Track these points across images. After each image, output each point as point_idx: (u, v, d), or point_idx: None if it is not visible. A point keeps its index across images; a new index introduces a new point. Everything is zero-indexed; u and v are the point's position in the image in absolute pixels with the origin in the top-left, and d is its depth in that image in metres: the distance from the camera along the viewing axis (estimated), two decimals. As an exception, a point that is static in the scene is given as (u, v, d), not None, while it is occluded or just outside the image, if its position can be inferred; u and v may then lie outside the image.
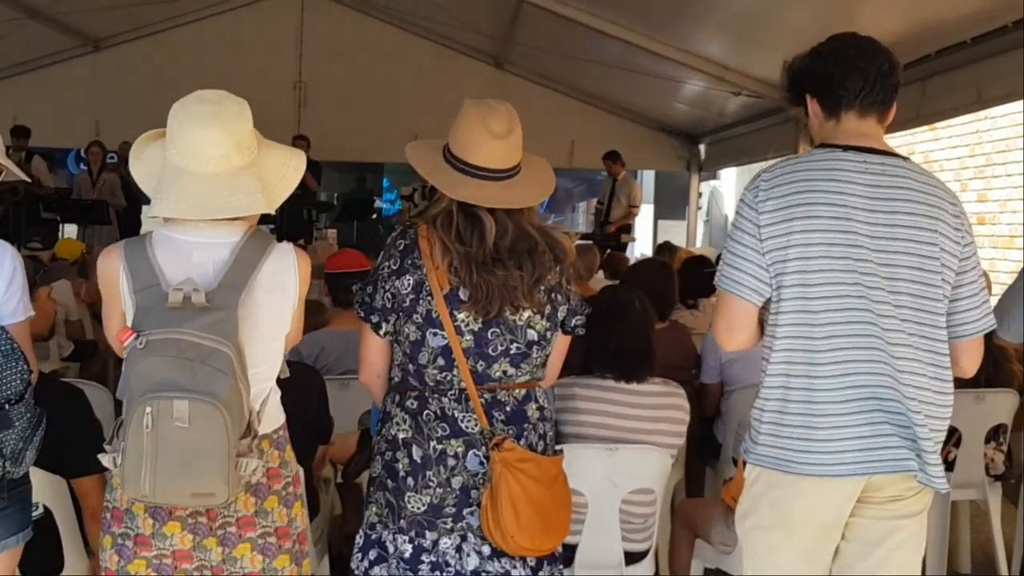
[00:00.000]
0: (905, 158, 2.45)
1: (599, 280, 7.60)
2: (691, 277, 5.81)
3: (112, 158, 13.07)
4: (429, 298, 2.51)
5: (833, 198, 2.33)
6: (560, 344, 2.70)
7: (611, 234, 10.74)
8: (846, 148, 2.40)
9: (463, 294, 2.51)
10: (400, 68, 12.05)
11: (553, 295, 2.61)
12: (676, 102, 10.98)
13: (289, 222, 11.01)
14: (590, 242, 8.06)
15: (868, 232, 2.33)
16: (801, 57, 2.55)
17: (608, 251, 10.22)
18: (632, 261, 11.93)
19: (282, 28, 11.94)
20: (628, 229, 11.26)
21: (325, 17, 12.02)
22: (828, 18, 6.74)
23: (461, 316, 2.51)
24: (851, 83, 2.42)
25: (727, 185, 14.51)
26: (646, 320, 3.30)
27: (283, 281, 2.36)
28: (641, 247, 15.12)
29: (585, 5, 8.63)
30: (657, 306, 4.36)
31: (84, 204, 10.16)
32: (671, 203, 14.92)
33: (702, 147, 12.39)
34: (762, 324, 2.47)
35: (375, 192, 16.35)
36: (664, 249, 7.06)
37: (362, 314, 2.61)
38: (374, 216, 15.30)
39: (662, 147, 12.43)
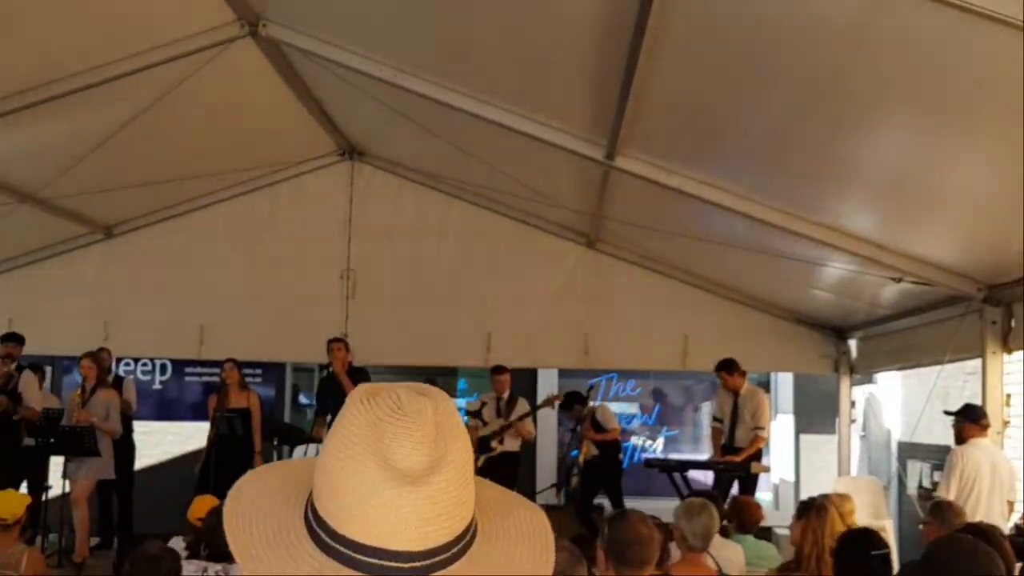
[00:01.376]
0: None
1: (723, 543, 6.25)
2: (852, 562, 4.57)
3: (128, 365, 12.47)
4: None
5: None
6: None
7: (738, 464, 9.41)
8: None
9: None
10: (471, 251, 11.35)
11: None
12: (816, 289, 9.78)
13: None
14: (705, 493, 6.73)
15: None
16: None
17: (734, 489, 8.94)
18: (766, 497, 10.56)
19: (328, 206, 11.32)
20: (758, 456, 9.89)
21: (380, 191, 11.39)
22: (1009, 178, 5.67)
23: None
24: None
25: (887, 391, 12.95)
26: None
27: None
28: (780, 469, 13.58)
29: (688, 171, 7.66)
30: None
31: (67, 431, 9.27)
32: (816, 413, 13.37)
33: (853, 343, 11.07)
34: None
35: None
36: (808, 508, 5.66)
37: None
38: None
39: (801, 344, 11.12)
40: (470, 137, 8.76)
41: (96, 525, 10.20)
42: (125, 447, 10.90)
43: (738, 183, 7.63)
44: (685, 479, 9.91)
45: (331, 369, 10.17)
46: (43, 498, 10.41)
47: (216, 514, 5.96)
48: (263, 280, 11.20)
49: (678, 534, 5.53)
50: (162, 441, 12.12)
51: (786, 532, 7.54)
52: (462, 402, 14.91)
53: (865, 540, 4.64)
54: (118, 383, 11.06)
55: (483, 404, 10.55)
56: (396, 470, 1.31)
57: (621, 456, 11.24)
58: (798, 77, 5.62)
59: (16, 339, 10.28)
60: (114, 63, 7.51)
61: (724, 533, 6.57)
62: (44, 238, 11.23)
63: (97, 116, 8.39)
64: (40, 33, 6.98)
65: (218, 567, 5.49)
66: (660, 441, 13.80)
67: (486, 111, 7.72)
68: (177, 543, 6.75)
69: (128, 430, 11.04)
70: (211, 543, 5.75)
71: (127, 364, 13.01)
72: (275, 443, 10.61)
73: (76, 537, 9.57)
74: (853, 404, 11.58)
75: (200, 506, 6.69)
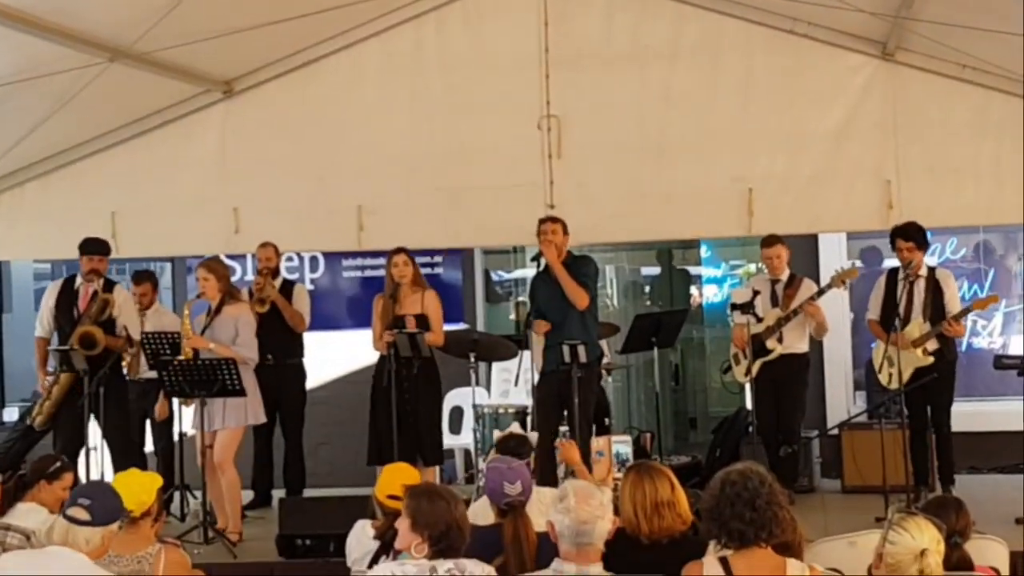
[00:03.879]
0: None
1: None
2: None
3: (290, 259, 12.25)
4: None
5: None
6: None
7: None
8: None
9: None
10: (716, 76, 10.64)
11: None
12: None
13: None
14: None
15: None
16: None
17: None
18: None
19: (514, 29, 10.77)
20: None
21: (582, 2, 10.75)
22: None
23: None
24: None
25: None
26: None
27: None
28: None
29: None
30: None
31: (190, 367, 8.82)
32: None
33: None
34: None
35: (687, 276, 14.51)
36: None
37: None
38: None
39: None
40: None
41: (248, 475, 9.99)
42: (295, 376, 10.65)
43: None
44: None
45: (544, 260, 9.41)
46: (175, 442, 10.03)
47: (426, 494, 5.27)
48: (434, 139, 10.80)
49: None
50: (322, 358, 11.79)
51: None
52: (711, 279, 14.18)
53: None
54: (287, 289, 10.73)
55: (755, 293, 9.72)
56: None
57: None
58: None
59: (102, 248, 10.11)
60: None
61: None
62: (146, 104, 11.06)
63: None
64: None
65: (449, 564, 4.84)
66: (997, 321, 12.54)
67: None
68: (364, 530, 6.26)
69: (299, 353, 10.76)
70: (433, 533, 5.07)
71: (290, 259, 12.65)
72: (472, 359, 10.04)
73: (227, 511, 9.16)
74: None
75: (391, 479, 6.13)
